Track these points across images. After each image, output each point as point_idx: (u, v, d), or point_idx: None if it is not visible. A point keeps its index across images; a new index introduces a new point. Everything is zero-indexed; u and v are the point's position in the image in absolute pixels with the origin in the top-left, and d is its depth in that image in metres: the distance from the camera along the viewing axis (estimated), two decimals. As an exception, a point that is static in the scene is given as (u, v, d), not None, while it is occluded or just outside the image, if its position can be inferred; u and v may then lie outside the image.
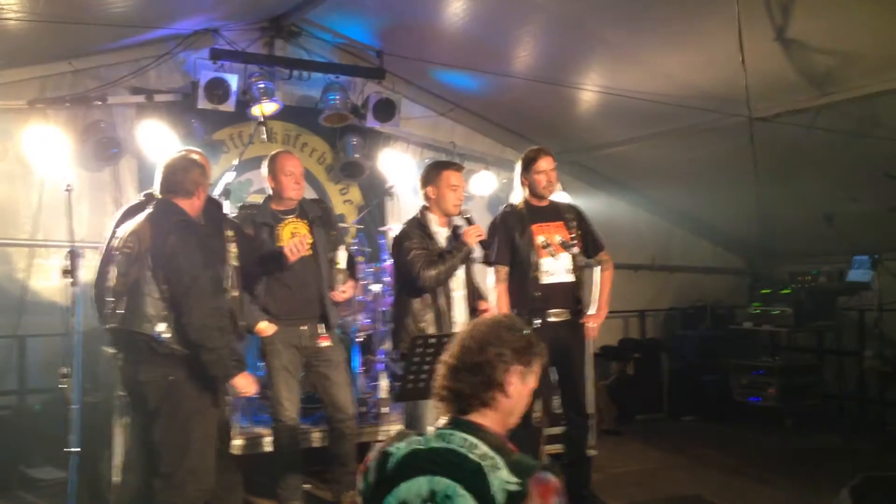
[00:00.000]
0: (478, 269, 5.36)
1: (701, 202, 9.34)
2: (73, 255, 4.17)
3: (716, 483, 6.17)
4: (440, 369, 2.33)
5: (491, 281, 5.40)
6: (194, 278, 3.85)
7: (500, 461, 2.12)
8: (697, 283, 10.14)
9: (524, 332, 2.38)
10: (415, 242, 4.83)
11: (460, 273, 5.02)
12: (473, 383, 2.25)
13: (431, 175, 5.01)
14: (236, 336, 4.22)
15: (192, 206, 4.10)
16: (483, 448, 2.15)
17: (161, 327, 3.87)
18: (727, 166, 7.80)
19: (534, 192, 5.42)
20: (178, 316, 3.86)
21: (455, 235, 5.03)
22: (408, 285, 4.87)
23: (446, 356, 2.34)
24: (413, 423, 4.82)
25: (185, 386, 3.93)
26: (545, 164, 5.39)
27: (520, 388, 2.30)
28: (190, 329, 3.84)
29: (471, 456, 2.13)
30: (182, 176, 4.10)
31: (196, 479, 4.00)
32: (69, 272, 4.15)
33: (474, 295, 5.18)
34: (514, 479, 2.08)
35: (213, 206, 4.49)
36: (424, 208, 5.02)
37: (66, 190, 4.40)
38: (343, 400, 5.15)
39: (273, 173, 5.12)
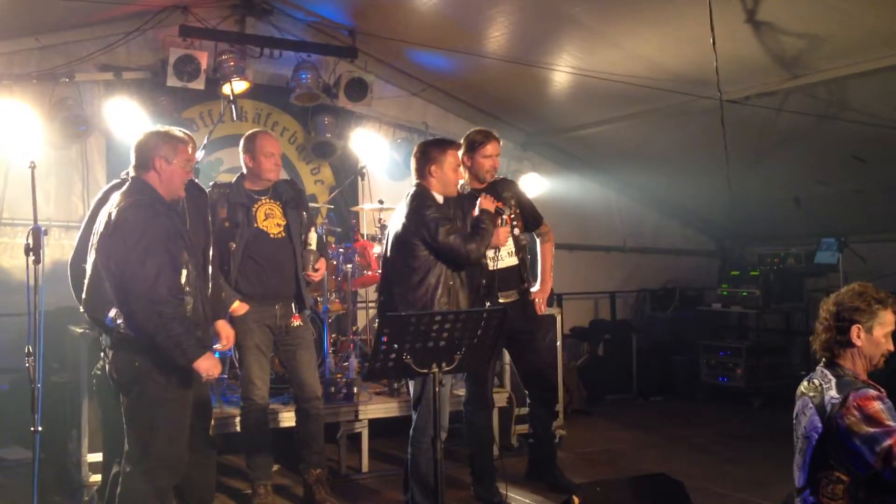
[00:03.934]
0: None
1: (672, 184, 9.40)
2: (36, 233, 4.10)
3: (683, 461, 6.23)
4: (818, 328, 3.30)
5: None
6: (141, 262, 3.80)
7: (833, 384, 3.14)
8: (668, 264, 10.22)
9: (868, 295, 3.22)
10: (438, 213, 4.62)
11: None
12: (832, 339, 3.23)
13: (436, 154, 4.76)
14: (205, 318, 4.16)
15: (158, 180, 4.00)
16: (829, 378, 3.18)
17: (113, 313, 3.82)
18: (698, 148, 7.86)
19: (476, 176, 5.30)
20: (122, 303, 3.80)
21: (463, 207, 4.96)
22: (417, 257, 4.62)
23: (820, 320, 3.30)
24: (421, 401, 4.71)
25: (151, 372, 3.88)
26: (492, 149, 5.27)
27: (865, 338, 3.17)
28: (136, 316, 3.76)
29: (815, 381, 3.25)
30: (141, 150, 4.01)
31: (166, 467, 3.95)
32: (31, 250, 4.08)
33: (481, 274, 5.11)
34: (836, 395, 3.09)
35: (193, 188, 4.45)
36: (420, 183, 4.79)
37: (30, 167, 4.33)
38: (310, 381, 5.15)
39: (252, 153, 5.05)
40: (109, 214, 3.86)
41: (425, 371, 3.64)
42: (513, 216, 5.29)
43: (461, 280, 4.76)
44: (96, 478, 4.96)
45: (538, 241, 5.66)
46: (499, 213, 4.97)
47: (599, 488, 3.59)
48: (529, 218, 5.52)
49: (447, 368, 3.68)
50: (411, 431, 4.67)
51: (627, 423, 7.87)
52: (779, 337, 9.22)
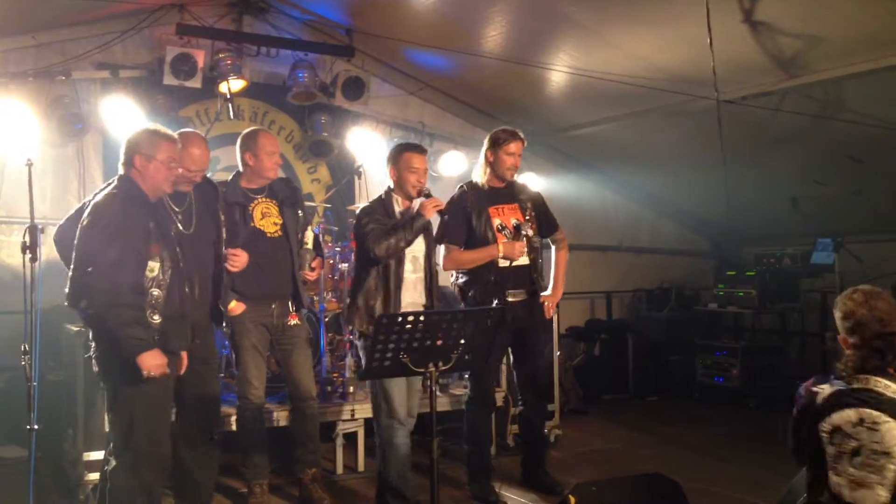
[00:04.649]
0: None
1: (668, 184, 9.40)
2: (33, 230, 4.10)
3: (678, 461, 6.24)
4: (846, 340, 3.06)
5: (439, 257, 5.37)
6: (103, 249, 3.77)
7: None
8: (664, 264, 10.22)
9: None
10: (374, 217, 4.80)
11: (420, 255, 4.95)
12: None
13: (394, 156, 4.96)
14: (181, 315, 4.12)
15: (142, 177, 4.01)
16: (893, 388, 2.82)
17: (84, 303, 3.84)
18: (695, 148, 7.86)
19: (496, 172, 5.40)
20: (84, 287, 3.79)
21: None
22: (363, 261, 4.84)
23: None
24: (380, 400, 4.81)
25: (112, 364, 3.89)
26: (515, 147, 5.37)
27: None
28: (94, 301, 3.77)
29: (886, 394, 2.81)
30: (126, 148, 4.05)
31: (148, 461, 3.95)
32: (28, 248, 4.08)
33: (434, 277, 5.09)
34: None
35: (205, 184, 4.52)
36: (389, 188, 4.99)
37: (27, 165, 4.33)
38: (305, 380, 5.15)
39: (254, 151, 5.02)
40: (87, 206, 3.93)
41: (422, 371, 3.64)
42: (527, 217, 5.38)
43: (396, 277, 4.82)
44: (93, 476, 4.93)
45: (553, 247, 5.69)
46: (518, 228, 5.21)
47: (595, 488, 3.58)
48: (545, 223, 5.58)
49: (444, 368, 3.68)
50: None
51: (623, 422, 7.88)
52: (775, 337, 9.23)
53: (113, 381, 3.94)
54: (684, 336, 9.25)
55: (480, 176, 5.46)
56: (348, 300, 4.96)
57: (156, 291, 3.92)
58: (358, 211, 5.00)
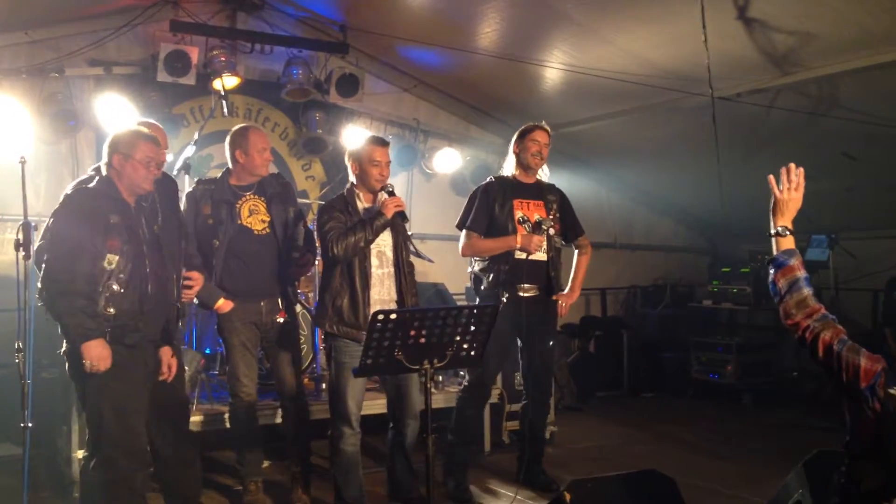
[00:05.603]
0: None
1: (663, 181, 9.41)
2: (26, 227, 4.10)
3: (672, 458, 6.25)
4: None
5: (459, 243, 5.42)
6: (62, 238, 3.87)
7: None
8: (659, 261, 10.24)
9: None
10: (333, 215, 4.70)
11: (387, 250, 4.83)
12: None
13: (355, 150, 4.87)
14: (141, 312, 4.11)
15: (119, 176, 4.03)
16: None
17: (41, 291, 3.92)
18: (689, 145, 7.87)
19: (522, 162, 5.43)
20: (42, 275, 3.90)
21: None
22: (326, 259, 4.76)
23: None
24: (335, 402, 4.80)
25: (78, 359, 3.89)
26: (540, 136, 5.45)
27: None
28: (48, 288, 3.85)
29: None
30: (107, 147, 4.10)
31: (123, 455, 3.95)
32: (21, 246, 4.08)
33: (407, 272, 4.95)
34: None
35: (162, 178, 4.48)
36: (352, 184, 4.89)
37: (20, 162, 4.32)
38: (291, 378, 5.13)
39: (244, 148, 4.97)
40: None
41: (417, 367, 3.64)
42: (551, 217, 5.40)
43: (362, 274, 4.72)
44: (87, 474, 4.94)
45: (576, 252, 5.70)
46: (539, 224, 5.28)
47: (590, 485, 3.59)
48: (570, 227, 5.61)
49: (439, 365, 3.68)
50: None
51: (618, 419, 7.89)
52: (769, 334, 9.25)
53: (81, 376, 3.95)
54: (679, 333, 9.28)
55: (509, 170, 5.52)
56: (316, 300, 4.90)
57: (115, 286, 3.91)
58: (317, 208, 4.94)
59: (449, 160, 8.34)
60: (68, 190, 4.11)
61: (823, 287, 8.09)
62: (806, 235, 8.13)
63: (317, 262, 5.70)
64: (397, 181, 7.70)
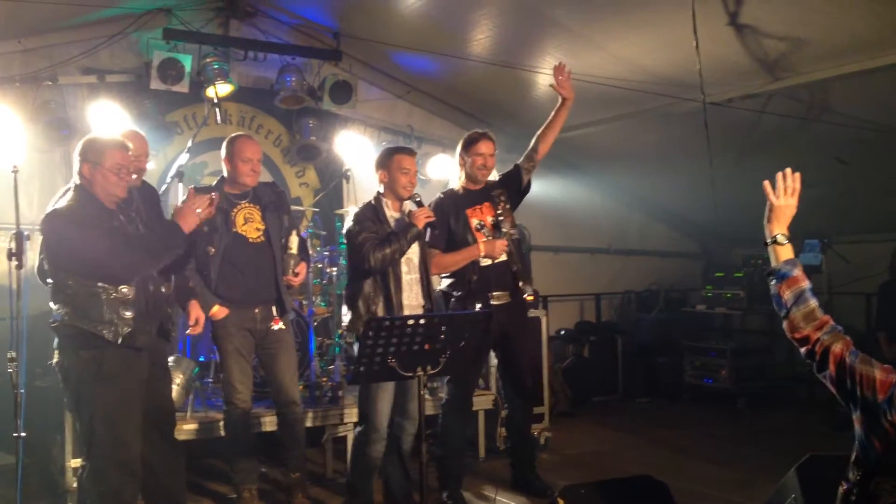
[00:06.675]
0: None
1: (656, 186, 9.43)
2: (19, 237, 4.10)
3: (667, 463, 6.26)
4: None
5: None
6: (86, 252, 3.89)
7: None
8: (652, 266, 10.25)
9: None
10: (366, 226, 4.78)
11: (413, 257, 4.94)
12: None
13: (384, 159, 4.95)
14: (147, 314, 4.14)
15: (91, 185, 3.99)
16: None
17: (54, 306, 3.91)
18: (682, 150, 7.89)
19: (469, 175, 5.42)
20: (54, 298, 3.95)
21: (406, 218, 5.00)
22: (359, 269, 4.83)
23: None
24: (365, 405, 4.80)
25: (79, 368, 3.90)
26: (485, 147, 5.39)
27: None
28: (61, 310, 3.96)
29: None
30: (76, 158, 4.07)
31: (115, 466, 3.95)
32: (14, 255, 4.07)
33: (429, 279, 5.11)
34: None
35: (145, 188, 4.56)
36: (379, 193, 4.98)
37: (13, 171, 4.32)
38: (288, 385, 5.12)
39: (230, 157, 5.02)
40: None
41: (410, 375, 3.65)
42: (499, 212, 5.37)
43: (395, 280, 4.81)
44: (81, 483, 4.94)
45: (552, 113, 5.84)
46: (497, 226, 5.24)
47: (584, 490, 3.58)
48: (515, 177, 5.57)
49: (432, 372, 3.69)
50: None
51: (612, 424, 7.90)
52: (763, 338, 9.27)
53: (73, 388, 3.95)
54: (673, 338, 9.29)
55: (457, 181, 5.51)
56: (345, 307, 4.92)
57: (125, 289, 3.91)
58: (348, 217, 4.98)
59: (443, 166, 8.33)
60: (50, 207, 4.04)
61: (817, 291, 8.10)
62: (798, 239, 8.13)
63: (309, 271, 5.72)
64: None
